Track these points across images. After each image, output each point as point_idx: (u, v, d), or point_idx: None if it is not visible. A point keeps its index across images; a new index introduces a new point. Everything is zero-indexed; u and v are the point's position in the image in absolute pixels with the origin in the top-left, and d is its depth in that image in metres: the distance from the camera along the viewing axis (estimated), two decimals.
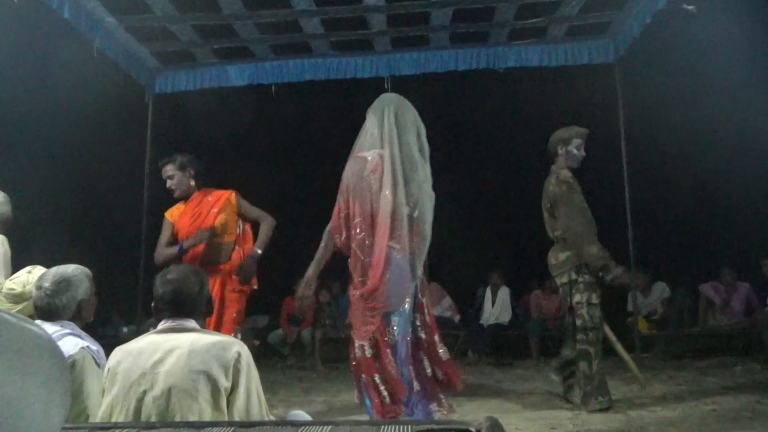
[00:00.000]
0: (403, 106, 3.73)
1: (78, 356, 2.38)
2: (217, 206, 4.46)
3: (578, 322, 4.73)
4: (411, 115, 3.71)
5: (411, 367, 3.48)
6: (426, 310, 3.64)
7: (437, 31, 6.60)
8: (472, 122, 12.49)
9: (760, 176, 9.73)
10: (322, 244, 3.70)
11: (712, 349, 7.78)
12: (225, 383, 2.11)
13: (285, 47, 6.98)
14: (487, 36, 6.77)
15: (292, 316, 8.54)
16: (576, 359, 4.77)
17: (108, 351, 2.44)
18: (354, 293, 3.53)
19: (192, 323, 2.28)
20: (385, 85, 6.89)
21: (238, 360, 2.14)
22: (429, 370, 3.54)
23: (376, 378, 3.39)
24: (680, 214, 9.59)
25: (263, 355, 8.04)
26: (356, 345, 3.47)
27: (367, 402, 3.44)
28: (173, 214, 4.64)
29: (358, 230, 3.52)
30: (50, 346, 0.65)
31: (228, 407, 2.11)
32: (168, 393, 2.07)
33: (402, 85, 6.96)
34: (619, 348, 5.20)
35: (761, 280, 7.62)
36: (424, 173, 3.63)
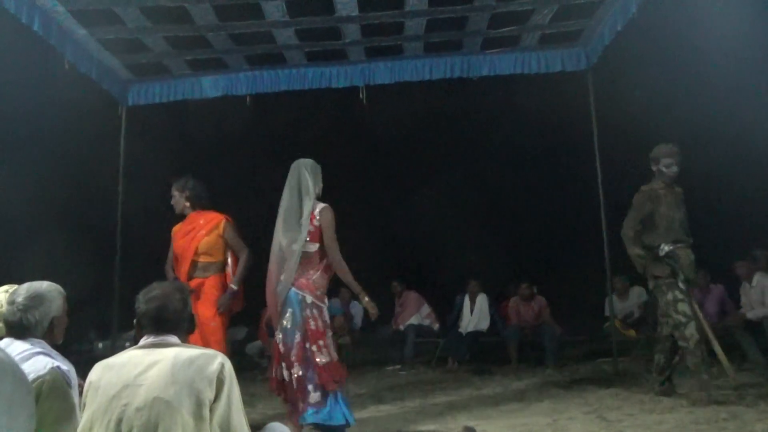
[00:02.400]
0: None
1: (47, 377, 2.32)
2: (206, 228, 4.91)
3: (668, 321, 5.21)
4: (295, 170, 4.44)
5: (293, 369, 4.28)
6: (307, 324, 4.30)
7: (411, 41, 6.62)
8: (447, 131, 12.53)
9: (732, 180, 9.89)
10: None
11: None
12: (209, 395, 2.12)
13: (259, 58, 6.95)
14: (461, 45, 6.81)
15: (271, 327, 8.45)
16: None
17: (82, 367, 2.40)
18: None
19: (174, 339, 2.29)
20: (360, 95, 6.90)
21: (221, 372, 2.17)
22: (301, 373, 4.24)
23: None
24: None
25: (241, 368, 7.95)
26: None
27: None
28: (175, 231, 5.11)
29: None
30: (13, 369, 0.64)
31: (209, 418, 2.12)
32: (151, 404, 2.06)
33: (377, 95, 6.99)
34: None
35: (734, 282, 7.71)
36: (305, 212, 4.32)
